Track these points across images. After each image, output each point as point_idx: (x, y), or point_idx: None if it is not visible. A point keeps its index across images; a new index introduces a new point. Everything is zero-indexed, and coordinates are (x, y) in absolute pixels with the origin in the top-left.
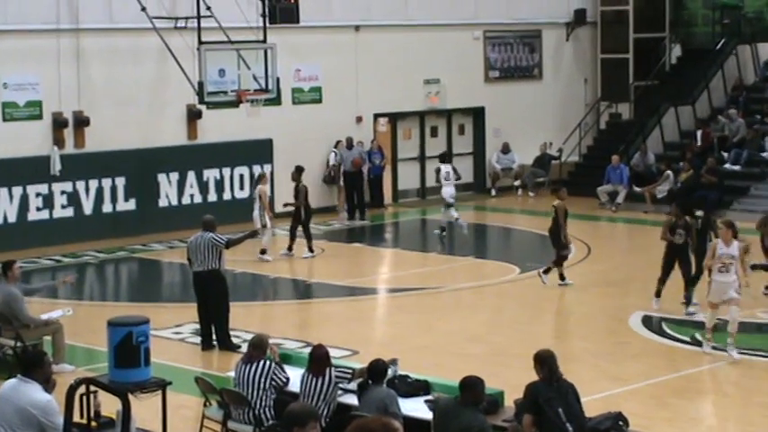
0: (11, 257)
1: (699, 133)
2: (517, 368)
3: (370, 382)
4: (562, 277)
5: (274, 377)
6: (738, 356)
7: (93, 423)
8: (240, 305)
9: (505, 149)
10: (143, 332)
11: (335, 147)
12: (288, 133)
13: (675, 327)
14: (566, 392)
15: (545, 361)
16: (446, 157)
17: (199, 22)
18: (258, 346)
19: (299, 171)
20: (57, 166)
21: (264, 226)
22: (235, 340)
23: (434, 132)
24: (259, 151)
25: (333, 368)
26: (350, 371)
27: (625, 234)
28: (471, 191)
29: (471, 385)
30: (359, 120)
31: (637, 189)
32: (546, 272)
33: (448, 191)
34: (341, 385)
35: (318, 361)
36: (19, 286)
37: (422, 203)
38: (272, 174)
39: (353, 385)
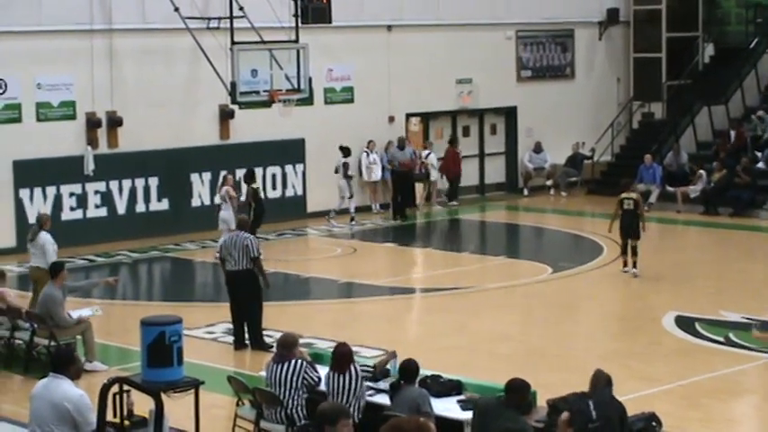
0: None
1: (732, 133)
2: (549, 368)
3: (401, 381)
4: (635, 265)
5: (306, 376)
6: None
7: (127, 422)
8: (273, 305)
9: (538, 149)
10: (176, 331)
11: (368, 147)
12: (320, 133)
13: (709, 327)
14: (606, 396)
15: (596, 378)
16: (349, 151)
17: (231, 23)
18: (286, 345)
19: (250, 174)
20: (90, 166)
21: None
22: (267, 340)
23: (467, 132)
24: (291, 151)
25: (355, 363)
26: (371, 368)
27: (658, 234)
28: (503, 190)
29: (518, 389)
30: (391, 119)
31: (669, 189)
32: (635, 265)
33: (346, 183)
34: (370, 384)
35: (340, 358)
36: (63, 287)
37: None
38: (303, 174)
39: (385, 385)
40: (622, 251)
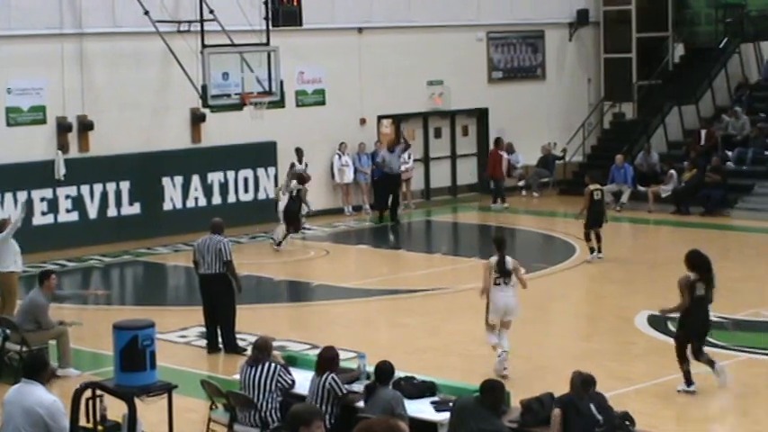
0: None
1: (703, 132)
2: (523, 369)
3: (376, 383)
4: (600, 250)
5: (280, 379)
6: None
7: (100, 427)
8: (246, 308)
9: (509, 150)
10: (148, 336)
11: (339, 149)
12: (292, 136)
13: None
14: (596, 395)
15: (572, 381)
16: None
17: (202, 26)
18: (262, 349)
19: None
20: (61, 171)
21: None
22: (240, 343)
23: (438, 134)
24: (263, 154)
25: (331, 375)
26: (345, 391)
27: (630, 233)
28: (475, 191)
29: (492, 389)
30: (363, 122)
31: (641, 188)
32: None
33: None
34: (346, 387)
35: (323, 363)
36: (48, 294)
37: (427, 204)
38: (275, 177)
39: (360, 387)
40: (587, 238)
